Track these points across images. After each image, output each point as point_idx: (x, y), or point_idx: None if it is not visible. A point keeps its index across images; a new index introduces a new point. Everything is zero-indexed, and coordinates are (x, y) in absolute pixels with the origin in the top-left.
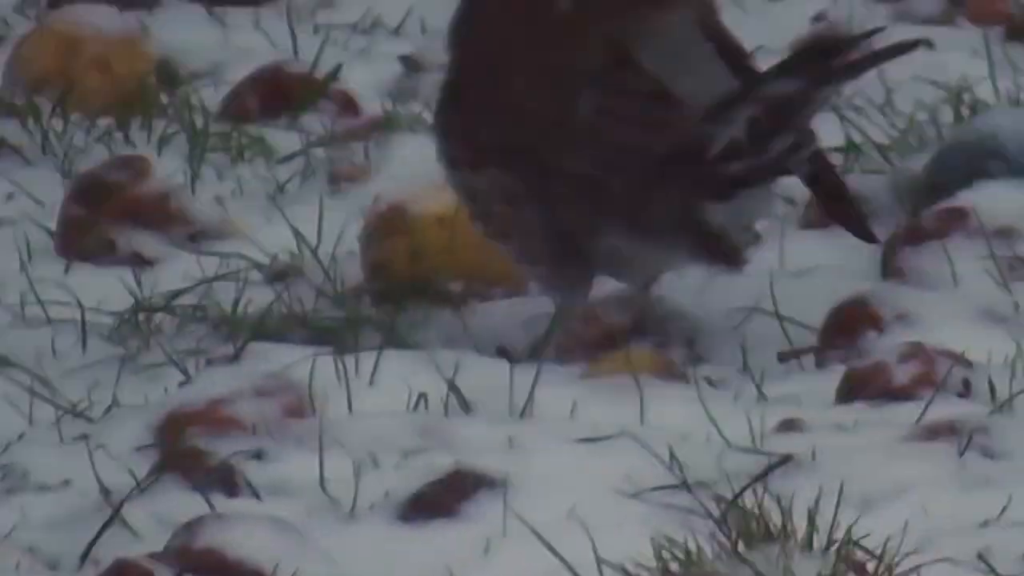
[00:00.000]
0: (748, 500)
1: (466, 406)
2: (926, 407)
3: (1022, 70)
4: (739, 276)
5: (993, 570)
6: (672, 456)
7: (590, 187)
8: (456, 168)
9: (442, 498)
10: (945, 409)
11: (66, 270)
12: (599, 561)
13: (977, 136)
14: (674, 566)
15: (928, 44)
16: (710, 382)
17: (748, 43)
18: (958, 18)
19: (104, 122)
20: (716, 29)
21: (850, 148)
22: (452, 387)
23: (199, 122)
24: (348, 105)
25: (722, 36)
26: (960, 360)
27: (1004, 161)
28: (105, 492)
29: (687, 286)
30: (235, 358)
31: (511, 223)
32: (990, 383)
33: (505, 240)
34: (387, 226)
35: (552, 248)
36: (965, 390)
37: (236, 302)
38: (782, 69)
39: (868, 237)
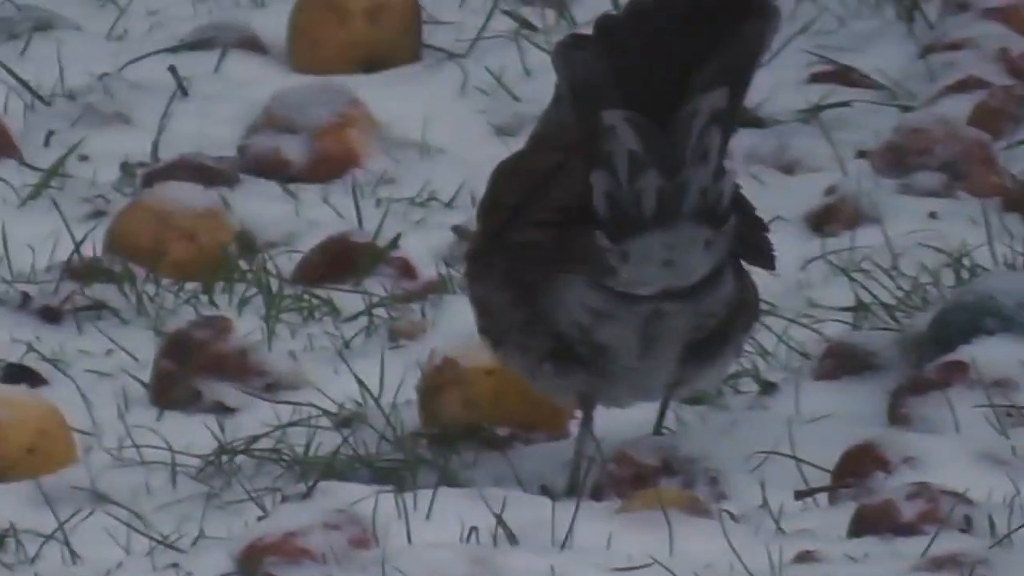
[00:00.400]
0: None
1: (513, 538)
2: (931, 541)
3: (1017, 238)
4: (759, 422)
5: None
6: None
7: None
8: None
9: None
10: (949, 544)
11: (158, 417)
12: None
13: (976, 297)
14: None
15: (932, 215)
16: (732, 517)
17: (766, 213)
18: (958, 191)
19: (191, 286)
20: None
21: (860, 308)
22: (500, 521)
23: (274, 286)
24: (406, 270)
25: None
26: (962, 499)
27: (1001, 319)
28: None
29: (711, 429)
30: (307, 496)
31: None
32: (990, 520)
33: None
34: (441, 378)
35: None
36: (967, 526)
37: (307, 446)
38: None
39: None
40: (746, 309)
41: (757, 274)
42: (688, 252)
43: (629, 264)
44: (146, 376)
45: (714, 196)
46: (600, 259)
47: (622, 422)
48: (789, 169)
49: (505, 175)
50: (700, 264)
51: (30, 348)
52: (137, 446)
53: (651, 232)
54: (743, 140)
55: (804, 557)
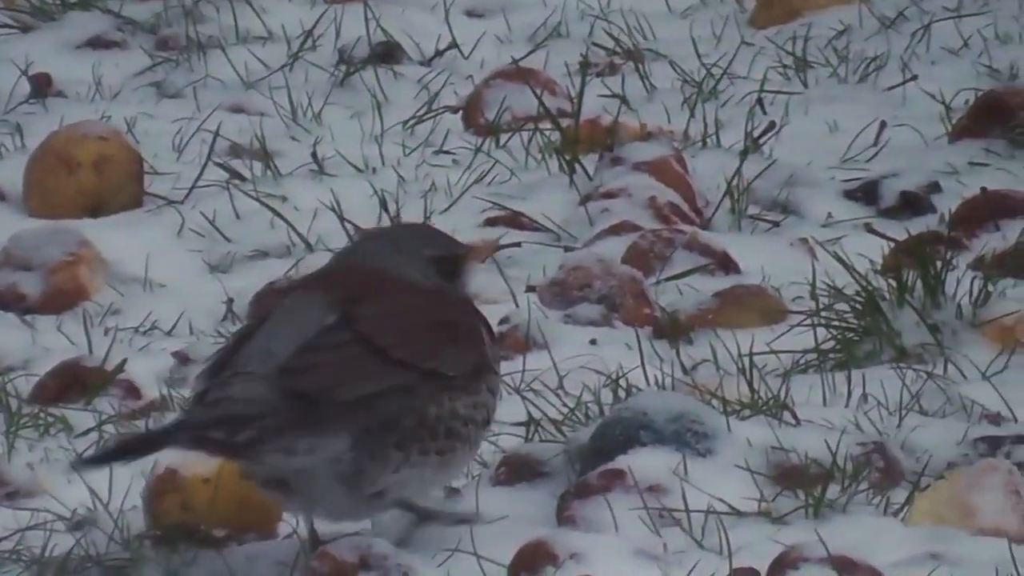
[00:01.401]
0: None
1: None
2: None
3: (666, 361)
4: (446, 526)
5: None
6: None
7: None
8: None
9: None
10: None
11: None
12: None
13: (632, 413)
14: None
15: (592, 341)
16: None
17: None
18: (615, 320)
19: None
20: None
21: (531, 422)
22: None
23: (14, 405)
24: (131, 391)
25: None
26: None
27: (653, 432)
28: None
29: (403, 528)
30: None
31: None
32: None
33: None
34: (163, 486)
35: None
36: None
37: (44, 547)
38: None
39: None
40: None
41: None
42: None
43: None
44: None
45: None
46: None
47: None
48: None
49: None
50: None
51: None
52: None
53: None
54: None
55: None
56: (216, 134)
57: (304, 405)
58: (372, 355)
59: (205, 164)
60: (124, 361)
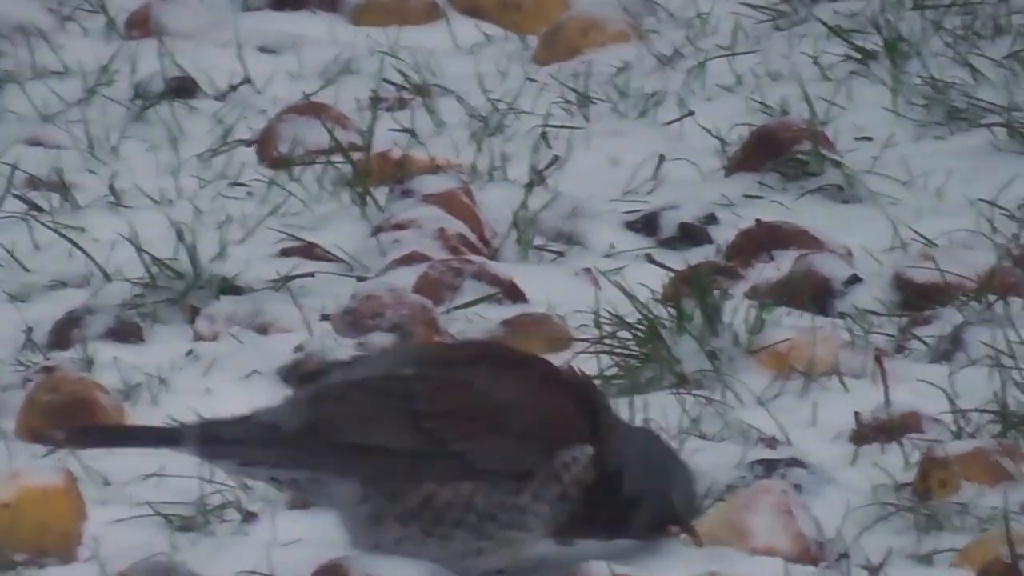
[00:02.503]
0: None
1: None
2: None
3: None
4: (243, 545)
5: None
6: None
7: None
8: None
9: None
10: None
11: None
12: None
13: None
14: None
15: None
16: None
17: (244, 369)
18: None
19: None
20: None
21: None
22: None
23: None
24: None
25: None
26: None
27: None
28: None
29: (202, 552)
30: None
31: None
32: None
33: None
34: None
35: None
36: None
37: None
38: None
39: None
40: None
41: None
42: None
43: None
44: None
45: None
46: None
47: None
48: (263, 330)
49: None
50: None
51: None
52: None
53: None
54: (224, 306)
55: None
56: (14, 167)
57: (314, 438)
58: (400, 412)
59: (3, 196)
60: None
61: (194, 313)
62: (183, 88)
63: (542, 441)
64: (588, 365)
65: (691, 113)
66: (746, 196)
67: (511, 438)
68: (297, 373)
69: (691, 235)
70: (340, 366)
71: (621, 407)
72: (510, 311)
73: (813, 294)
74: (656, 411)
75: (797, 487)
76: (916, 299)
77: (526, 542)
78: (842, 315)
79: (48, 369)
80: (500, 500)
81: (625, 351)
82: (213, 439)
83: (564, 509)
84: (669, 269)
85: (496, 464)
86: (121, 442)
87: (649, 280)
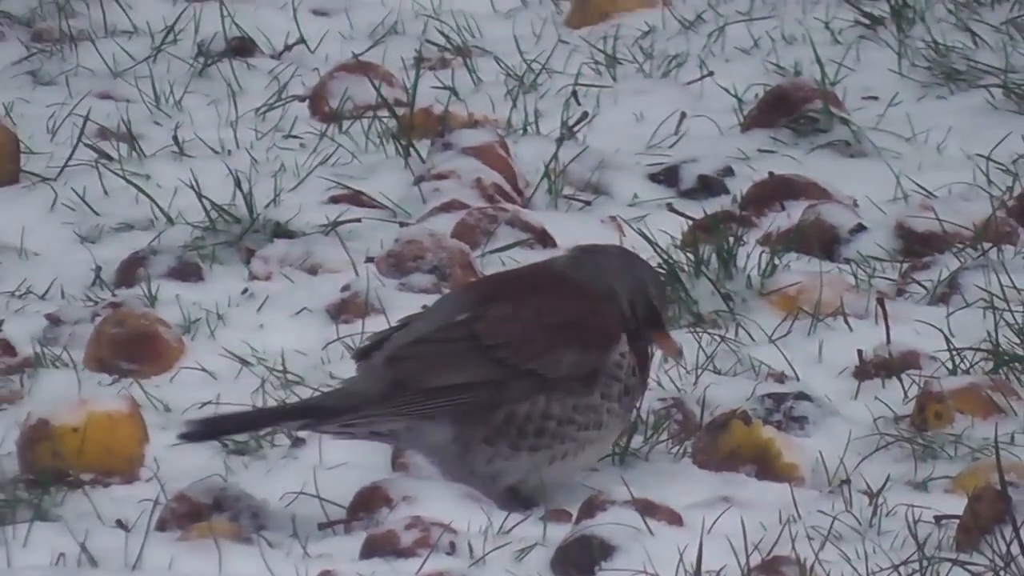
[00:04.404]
0: None
1: (93, 562)
2: (424, 561)
3: None
4: (291, 469)
5: None
6: None
7: None
8: None
9: None
10: (438, 564)
11: None
12: None
13: None
14: None
15: (424, 306)
16: (269, 543)
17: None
18: (444, 288)
19: None
20: None
21: None
22: (83, 549)
23: None
24: (7, 349)
25: None
26: (448, 528)
27: None
28: None
29: (253, 474)
30: None
31: None
32: (469, 545)
33: None
34: (35, 434)
35: None
36: (452, 549)
37: None
38: None
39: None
40: None
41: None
42: None
43: None
44: None
45: None
46: None
47: None
48: (313, 270)
49: None
50: None
51: None
52: None
53: None
54: (277, 248)
55: (325, 575)
56: (86, 118)
57: (403, 392)
58: (472, 351)
59: (76, 145)
60: (1, 322)
61: (250, 254)
62: (242, 47)
63: (600, 348)
64: None
65: (711, 73)
66: (760, 151)
67: (571, 349)
68: (354, 352)
69: (709, 186)
70: (394, 330)
71: None
72: (541, 255)
73: (821, 241)
74: None
75: (804, 418)
76: (916, 246)
77: (605, 440)
78: (847, 261)
79: (115, 305)
80: (574, 403)
81: None
82: (317, 411)
83: (630, 400)
84: (688, 217)
85: (563, 372)
86: (239, 428)
87: (670, 227)
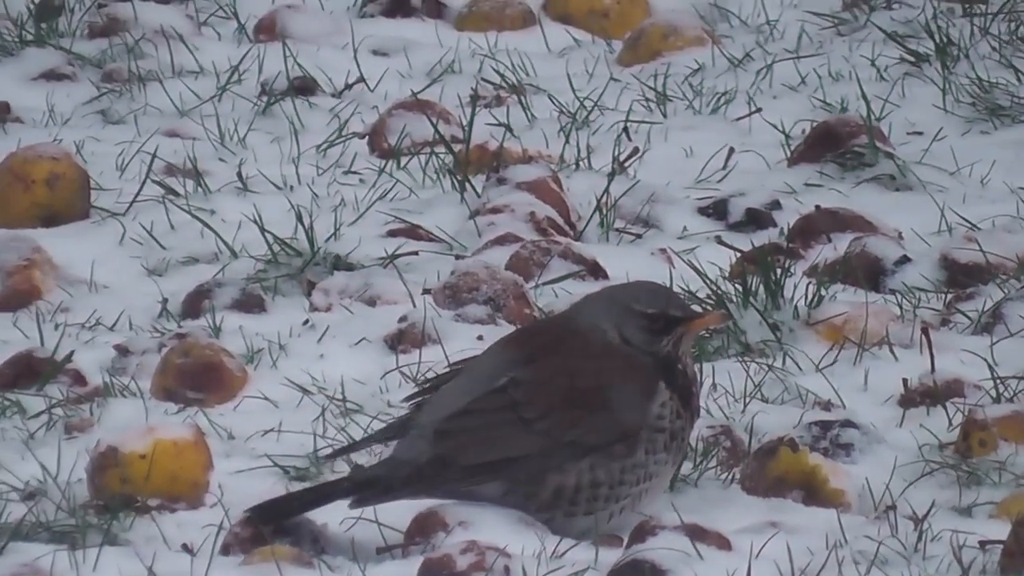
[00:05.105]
0: None
1: None
2: None
3: None
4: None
5: None
6: None
7: None
8: None
9: None
10: None
11: None
12: None
13: None
14: None
15: (479, 337)
16: (329, 567)
17: (354, 338)
18: (499, 319)
19: None
20: None
21: None
22: (151, 572)
23: None
24: (78, 379)
25: None
26: (503, 552)
27: None
28: None
29: None
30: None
31: None
32: (523, 569)
33: None
34: (105, 461)
35: None
36: (506, 573)
37: (0, 515)
38: None
39: None
40: None
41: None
42: None
43: None
44: None
45: None
46: None
47: None
48: (372, 302)
49: None
50: None
51: None
52: None
53: None
54: (337, 280)
55: None
56: (154, 156)
57: (448, 468)
58: (513, 424)
59: (144, 181)
60: (71, 352)
61: (310, 287)
62: (304, 86)
63: (631, 407)
64: None
65: (759, 110)
66: (807, 185)
67: (607, 411)
68: (407, 397)
69: (757, 219)
70: (443, 380)
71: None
72: (593, 287)
73: (866, 272)
74: (723, 376)
75: (850, 445)
76: (960, 277)
77: (661, 484)
78: (892, 291)
79: (181, 336)
80: (620, 466)
81: None
82: (365, 485)
83: (679, 444)
84: (736, 250)
85: (603, 438)
86: (297, 509)
87: (718, 259)
